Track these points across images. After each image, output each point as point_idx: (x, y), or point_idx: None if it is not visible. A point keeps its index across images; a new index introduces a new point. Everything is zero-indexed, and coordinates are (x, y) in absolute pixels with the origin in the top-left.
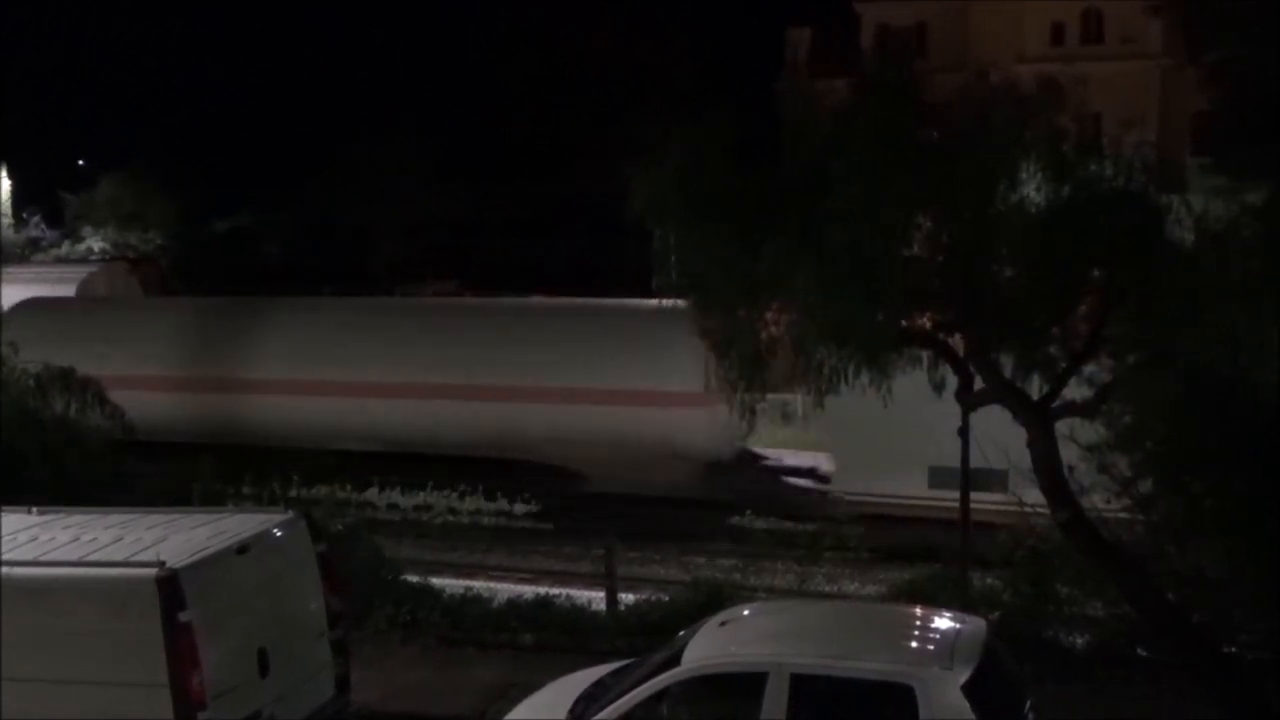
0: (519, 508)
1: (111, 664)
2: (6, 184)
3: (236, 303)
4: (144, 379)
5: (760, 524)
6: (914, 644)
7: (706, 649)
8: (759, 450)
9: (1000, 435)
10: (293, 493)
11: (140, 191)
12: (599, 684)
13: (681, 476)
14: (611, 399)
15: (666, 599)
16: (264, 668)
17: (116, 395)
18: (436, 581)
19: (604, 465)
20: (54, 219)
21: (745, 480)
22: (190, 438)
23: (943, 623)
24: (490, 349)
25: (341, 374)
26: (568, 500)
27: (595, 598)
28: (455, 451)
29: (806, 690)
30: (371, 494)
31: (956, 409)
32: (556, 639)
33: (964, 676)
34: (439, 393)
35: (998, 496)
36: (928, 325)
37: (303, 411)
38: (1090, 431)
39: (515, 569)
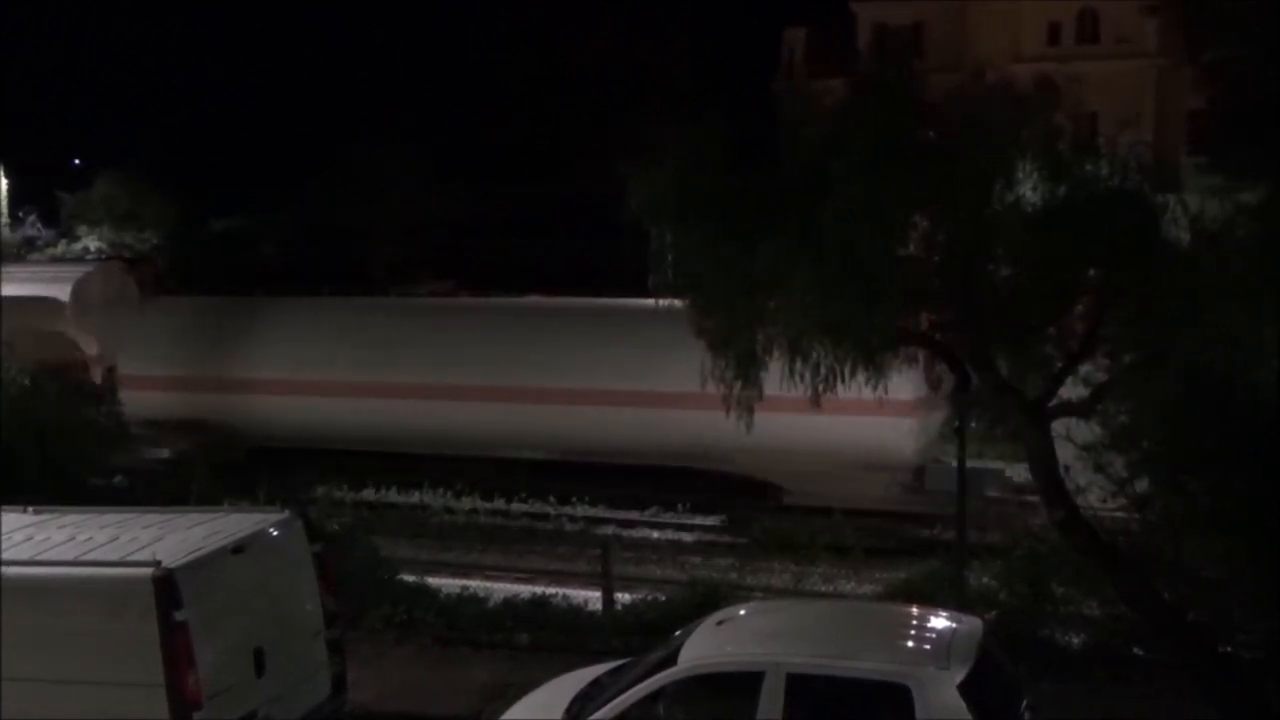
0: (702, 519)
1: (107, 663)
2: (3, 183)
3: (382, 304)
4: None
5: None
6: (910, 644)
7: (703, 648)
8: (941, 459)
9: None
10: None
11: (136, 191)
12: (595, 683)
13: (880, 487)
14: (812, 407)
15: (663, 598)
16: (260, 667)
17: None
18: (433, 581)
19: (801, 477)
20: (50, 218)
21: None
22: (347, 444)
23: (939, 622)
24: (683, 353)
25: (538, 379)
26: (757, 513)
27: (592, 597)
28: (642, 460)
29: (803, 690)
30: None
31: None
32: (553, 638)
33: (960, 676)
34: (632, 400)
35: None
36: (925, 325)
37: (484, 417)
38: (1086, 431)
39: (511, 568)
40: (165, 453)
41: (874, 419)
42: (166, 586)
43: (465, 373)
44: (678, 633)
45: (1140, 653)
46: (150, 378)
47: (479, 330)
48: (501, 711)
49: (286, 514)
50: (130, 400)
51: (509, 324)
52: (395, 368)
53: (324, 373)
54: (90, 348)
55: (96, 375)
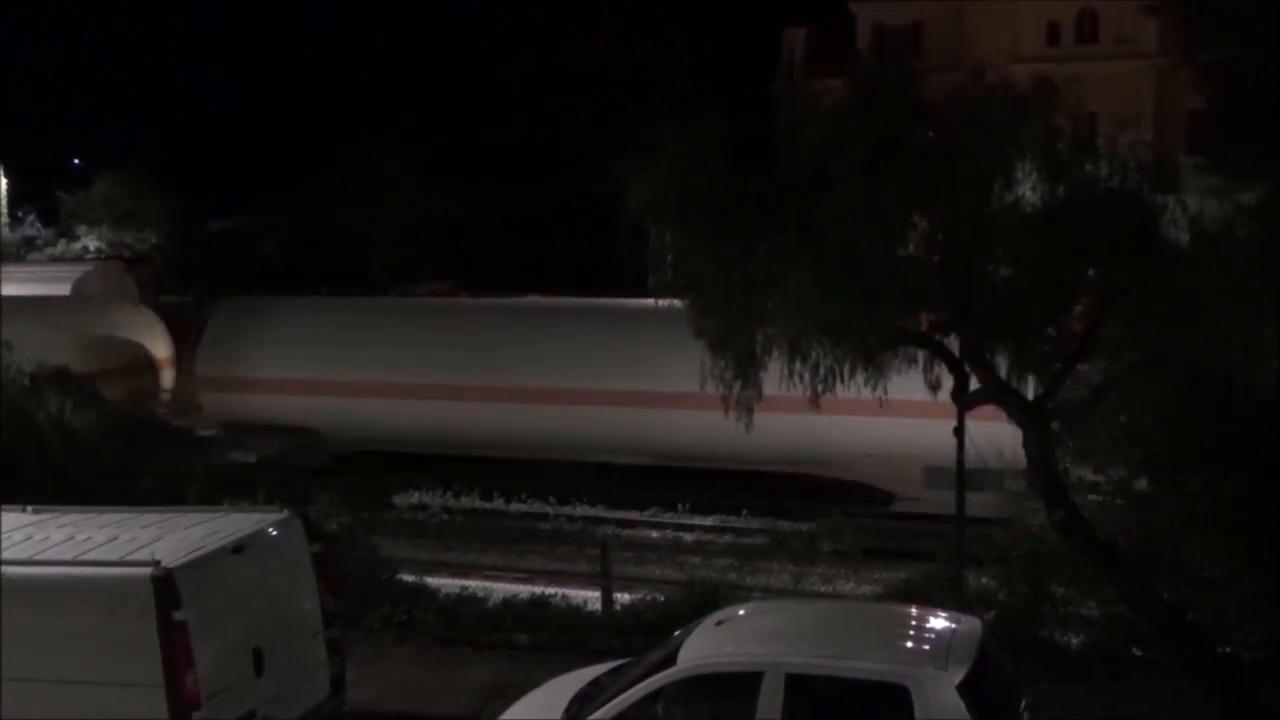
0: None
1: (106, 663)
2: (2, 183)
3: (458, 305)
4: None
5: None
6: (909, 644)
7: (702, 648)
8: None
9: None
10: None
11: (136, 191)
12: (594, 684)
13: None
14: (925, 412)
15: (662, 599)
16: (259, 667)
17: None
18: (432, 581)
19: (911, 483)
20: (49, 218)
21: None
22: (433, 448)
23: (938, 622)
24: None
25: (647, 384)
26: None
27: (591, 597)
28: (750, 466)
29: (802, 690)
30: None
31: None
32: (552, 638)
33: (959, 676)
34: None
35: None
36: (924, 325)
37: (580, 421)
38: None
39: (511, 568)
40: (252, 457)
41: (994, 425)
42: (165, 586)
43: (577, 376)
44: (677, 633)
45: (1140, 653)
46: (232, 379)
47: (613, 333)
48: (501, 711)
49: (286, 514)
50: (213, 403)
51: (617, 327)
52: (495, 370)
53: (423, 376)
54: (160, 350)
55: (168, 378)
